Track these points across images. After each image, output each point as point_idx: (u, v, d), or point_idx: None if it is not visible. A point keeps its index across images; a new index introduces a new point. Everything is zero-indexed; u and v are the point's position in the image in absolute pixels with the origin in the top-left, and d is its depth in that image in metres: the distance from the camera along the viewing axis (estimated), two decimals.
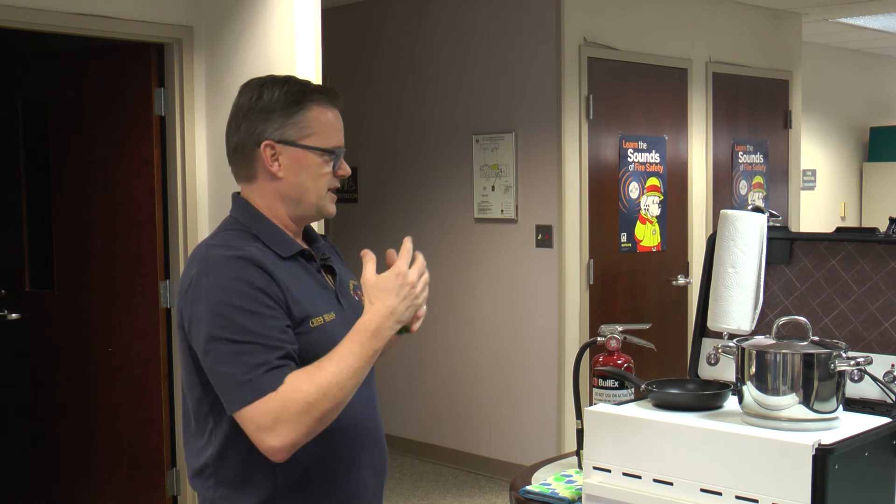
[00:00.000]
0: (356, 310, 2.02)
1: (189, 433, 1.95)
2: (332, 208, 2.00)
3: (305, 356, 1.83)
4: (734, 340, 1.96)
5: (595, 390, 2.37)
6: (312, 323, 1.87)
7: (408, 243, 1.85)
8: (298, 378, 1.76)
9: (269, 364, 1.75)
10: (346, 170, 1.99)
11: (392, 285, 1.81)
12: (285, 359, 1.78)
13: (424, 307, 1.87)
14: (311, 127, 1.93)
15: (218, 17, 4.33)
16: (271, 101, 1.92)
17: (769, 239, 2.29)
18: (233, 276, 1.80)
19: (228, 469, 1.88)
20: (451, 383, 6.01)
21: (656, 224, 6.00)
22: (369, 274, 1.83)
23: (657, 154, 5.99)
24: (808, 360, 1.82)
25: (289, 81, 1.97)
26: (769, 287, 2.33)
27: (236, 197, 2.00)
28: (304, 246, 1.99)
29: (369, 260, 1.84)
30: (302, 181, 1.94)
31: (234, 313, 1.77)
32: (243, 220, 1.95)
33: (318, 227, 3.97)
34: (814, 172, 8.56)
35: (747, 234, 2.24)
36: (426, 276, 1.86)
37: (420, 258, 1.86)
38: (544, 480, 2.26)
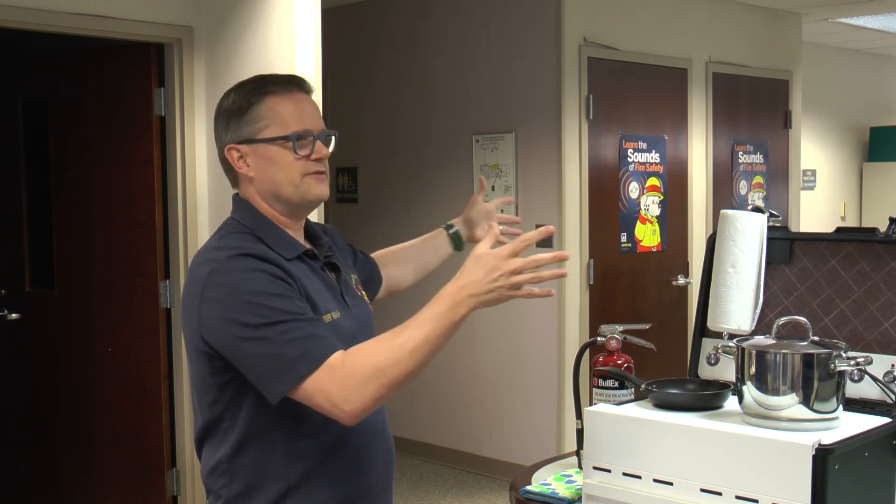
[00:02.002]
0: (361, 307, 2.04)
1: (200, 434, 1.96)
2: (318, 190, 1.94)
3: None
4: (734, 340, 1.96)
5: (595, 390, 2.37)
6: (324, 319, 1.87)
7: (538, 235, 1.71)
8: (371, 344, 1.76)
9: (315, 336, 1.76)
10: (320, 152, 1.93)
11: (486, 262, 1.70)
12: (327, 329, 1.80)
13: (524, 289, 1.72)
14: (266, 119, 1.90)
15: (218, 17, 4.33)
16: (228, 105, 1.93)
17: (769, 239, 2.29)
18: (252, 269, 1.80)
19: (243, 467, 1.89)
20: (451, 383, 6.01)
21: (656, 224, 6.00)
22: (482, 247, 1.74)
23: (657, 154, 5.99)
24: (808, 360, 1.82)
25: (249, 81, 1.96)
26: (769, 287, 2.32)
27: (236, 198, 1.98)
28: (307, 245, 1.99)
29: (490, 236, 1.75)
30: (272, 175, 1.91)
31: (265, 299, 1.77)
32: (247, 222, 1.93)
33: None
34: (814, 172, 8.56)
35: (747, 234, 2.24)
36: (538, 274, 1.70)
37: (552, 256, 1.69)
38: (544, 480, 2.26)
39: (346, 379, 1.72)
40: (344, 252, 2.17)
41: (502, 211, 2.51)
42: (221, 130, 1.94)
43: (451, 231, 2.49)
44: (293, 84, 1.95)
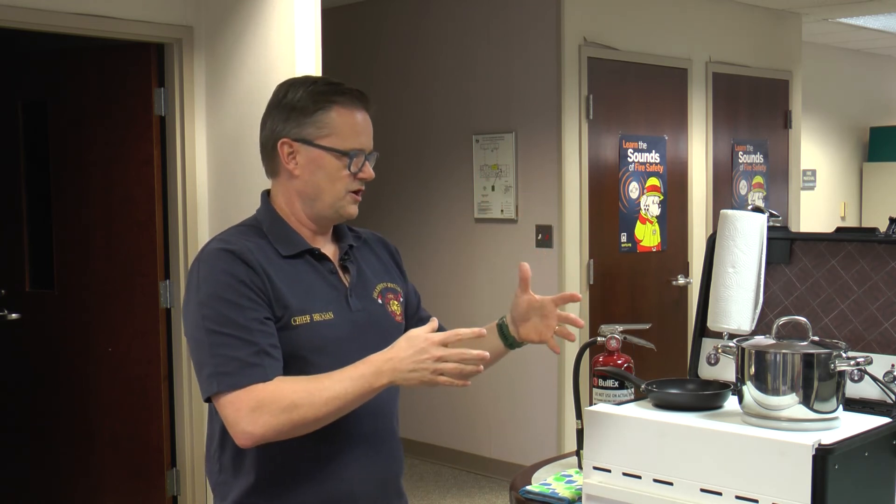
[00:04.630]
0: (373, 312, 2.01)
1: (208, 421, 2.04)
2: (351, 209, 1.99)
3: (286, 352, 1.86)
4: (734, 340, 1.96)
5: (595, 390, 2.37)
6: (295, 321, 1.88)
7: (470, 333, 1.80)
8: (296, 379, 1.81)
9: (243, 361, 1.79)
10: (367, 173, 1.99)
11: (416, 343, 1.77)
12: (259, 355, 1.81)
13: (446, 379, 1.78)
14: (330, 127, 1.94)
15: (218, 17, 4.33)
16: (294, 99, 1.95)
17: (769, 239, 2.29)
18: (220, 269, 1.85)
19: (226, 455, 1.94)
20: None
21: (656, 224, 6.00)
22: (416, 330, 1.80)
23: (657, 154, 5.99)
24: (808, 360, 1.82)
25: (317, 81, 1.99)
26: (769, 287, 2.32)
27: (262, 194, 2.04)
28: (312, 245, 1.99)
29: (428, 326, 1.80)
30: (318, 181, 1.95)
31: (217, 304, 1.83)
32: (260, 216, 2.00)
33: None
34: (814, 172, 8.56)
35: (747, 234, 2.24)
36: (462, 366, 1.76)
37: (476, 354, 1.76)
38: (544, 480, 2.25)
39: (262, 403, 1.77)
40: (384, 260, 2.14)
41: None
42: (279, 121, 1.96)
43: (499, 321, 2.15)
44: (359, 100, 2.00)
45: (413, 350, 1.76)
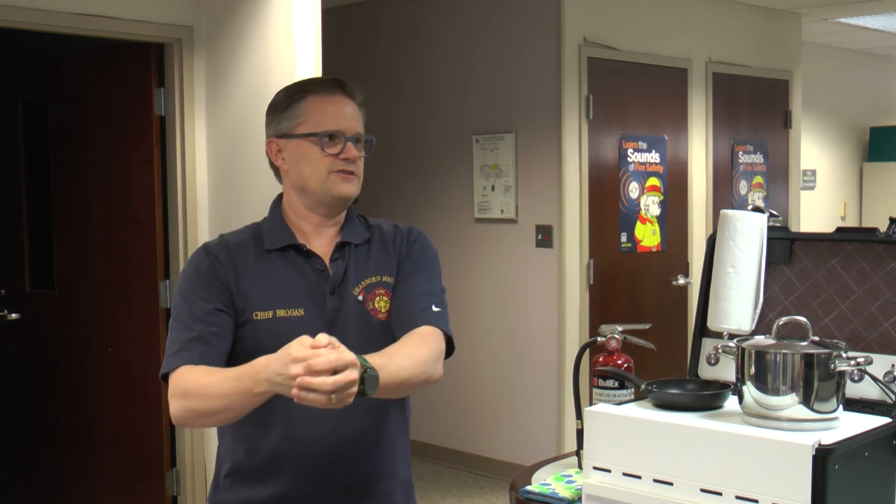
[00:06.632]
0: (348, 310, 1.98)
1: None
2: (341, 188, 1.99)
3: (248, 346, 1.87)
4: (734, 340, 1.96)
5: (595, 390, 2.37)
6: (256, 315, 1.91)
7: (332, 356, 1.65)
8: (196, 369, 1.85)
9: (181, 345, 1.89)
10: (348, 153, 1.98)
11: (282, 355, 1.66)
12: (194, 341, 1.87)
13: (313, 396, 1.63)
14: (302, 116, 1.98)
15: (218, 17, 4.33)
16: (275, 101, 2.04)
17: (769, 239, 2.29)
18: (191, 265, 1.99)
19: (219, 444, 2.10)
20: (451, 383, 6.01)
21: (656, 224, 6.00)
22: (299, 339, 1.68)
23: (657, 154, 5.99)
24: (808, 360, 1.82)
25: (298, 81, 2.07)
26: (769, 287, 2.32)
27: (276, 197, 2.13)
28: (311, 240, 2.01)
29: (305, 338, 1.68)
30: (301, 169, 1.99)
31: (180, 296, 1.96)
32: (267, 215, 2.07)
33: None
34: (814, 172, 8.56)
35: (747, 234, 2.24)
36: (315, 381, 1.60)
37: (332, 381, 1.61)
38: (544, 480, 2.25)
39: (172, 386, 1.87)
40: (392, 252, 2.07)
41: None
42: (267, 125, 2.04)
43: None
44: (335, 87, 2.02)
45: (280, 363, 1.66)
